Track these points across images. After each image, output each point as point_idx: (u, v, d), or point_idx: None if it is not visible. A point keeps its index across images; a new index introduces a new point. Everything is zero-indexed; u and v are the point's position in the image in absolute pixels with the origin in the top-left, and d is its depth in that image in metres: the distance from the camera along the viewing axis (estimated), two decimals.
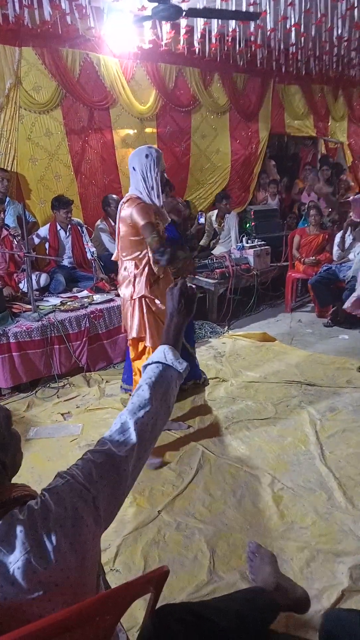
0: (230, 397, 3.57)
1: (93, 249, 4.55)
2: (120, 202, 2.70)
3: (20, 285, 4.28)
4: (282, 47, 5.93)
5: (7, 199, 4.49)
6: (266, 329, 4.95)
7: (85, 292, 4.38)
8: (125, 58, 5.36)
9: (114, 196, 5.10)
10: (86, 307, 4.03)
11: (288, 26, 4.75)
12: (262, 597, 1.43)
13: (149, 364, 1.24)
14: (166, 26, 4.88)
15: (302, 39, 5.50)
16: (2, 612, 0.87)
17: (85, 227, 4.83)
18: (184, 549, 2.17)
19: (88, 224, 5.06)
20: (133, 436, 1.10)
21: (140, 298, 2.74)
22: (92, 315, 3.97)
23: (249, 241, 5.75)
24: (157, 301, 2.75)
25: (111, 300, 4.21)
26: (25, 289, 4.16)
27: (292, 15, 4.60)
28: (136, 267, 2.73)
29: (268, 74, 6.75)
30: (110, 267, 4.49)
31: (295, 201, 7.55)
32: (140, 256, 2.70)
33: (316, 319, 5.25)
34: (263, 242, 5.77)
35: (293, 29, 4.77)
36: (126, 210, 2.62)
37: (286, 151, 8.98)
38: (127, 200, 2.65)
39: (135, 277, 2.73)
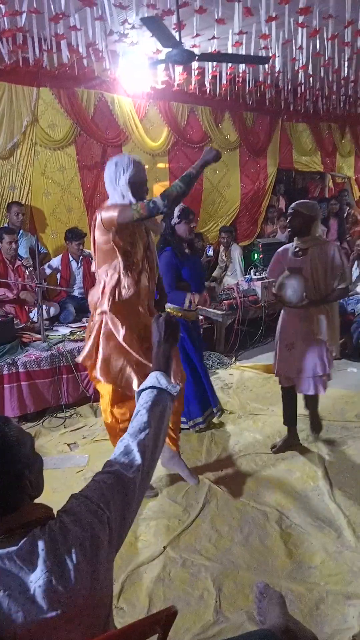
0: (238, 429, 3.55)
1: None
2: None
3: (31, 315, 4.34)
4: (290, 87, 6.13)
5: (21, 231, 4.61)
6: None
7: None
8: (138, 97, 5.57)
9: None
10: None
11: (296, 68, 4.93)
12: None
13: (143, 390, 1.30)
14: (179, 68, 5.09)
15: (310, 79, 5.70)
16: (22, 634, 0.88)
17: None
18: (190, 587, 2.12)
19: None
20: (138, 457, 1.15)
21: (101, 314, 2.42)
22: None
23: (257, 273, 5.81)
24: (119, 327, 2.39)
25: None
26: (35, 319, 4.21)
27: (301, 58, 4.78)
28: (106, 274, 2.42)
29: (277, 112, 6.96)
30: None
31: None
32: (112, 265, 2.39)
33: None
34: None
35: (301, 70, 4.95)
36: (99, 215, 2.33)
37: (294, 186, 9.16)
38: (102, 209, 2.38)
39: (104, 285, 2.42)
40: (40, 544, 0.94)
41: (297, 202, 2.97)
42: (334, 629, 1.90)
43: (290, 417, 3.25)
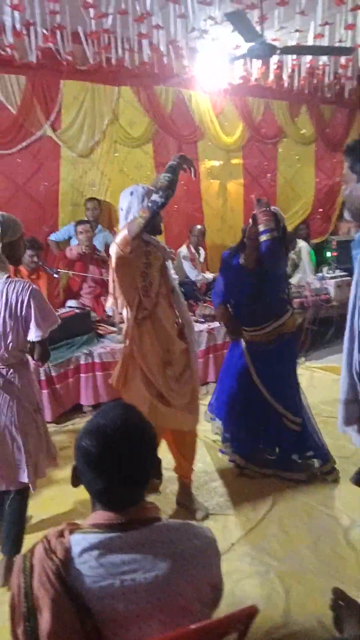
0: None
1: (175, 276, 4.69)
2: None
3: (106, 309, 4.50)
4: None
5: (99, 226, 4.78)
6: None
7: None
8: (215, 94, 5.56)
9: (198, 226, 5.30)
10: None
11: None
12: None
13: None
14: (257, 62, 5.02)
15: None
16: (116, 622, 0.95)
17: None
18: (258, 587, 2.14)
19: None
20: None
21: (129, 343, 2.48)
22: None
23: (330, 271, 5.65)
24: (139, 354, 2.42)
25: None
26: (110, 312, 4.36)
27: None
28: (127, 310, 2.48)
29: (356, 104, 6.69)
30: (190, 293, 4.61)
31: None
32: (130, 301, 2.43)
33: None
34: (344, 273, 5.64)
35: None
36: (113, 247, 2.38)
37: None
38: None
39: (128, 319, 2.48)
40: (160, 538, 1.03)
41: None
42: None
43: None
